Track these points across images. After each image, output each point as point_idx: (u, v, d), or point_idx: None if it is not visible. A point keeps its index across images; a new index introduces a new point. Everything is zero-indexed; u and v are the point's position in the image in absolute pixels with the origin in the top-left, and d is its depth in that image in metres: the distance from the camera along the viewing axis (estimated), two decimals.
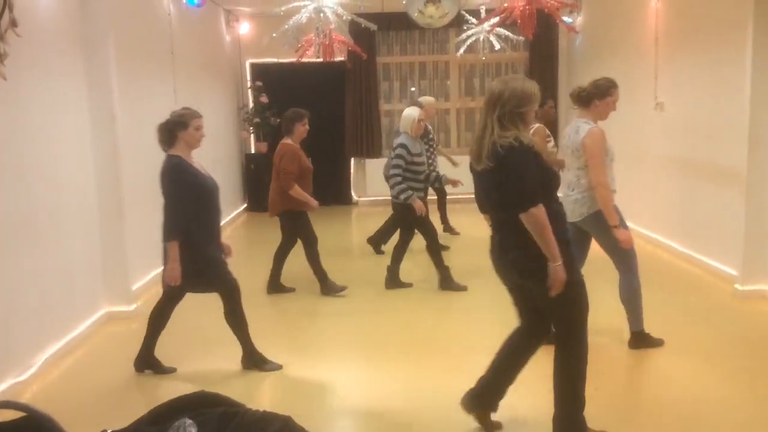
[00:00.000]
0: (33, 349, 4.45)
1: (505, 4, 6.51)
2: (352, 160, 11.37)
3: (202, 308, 4.81)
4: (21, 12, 4.02)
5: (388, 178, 6.13)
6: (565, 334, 3.26)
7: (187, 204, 4.14)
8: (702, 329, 5.06)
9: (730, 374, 4.24)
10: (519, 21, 6.42)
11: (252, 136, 11.11)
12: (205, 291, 4.35)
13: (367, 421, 3.86)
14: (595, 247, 4.61)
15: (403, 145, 5.98)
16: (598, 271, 4.57)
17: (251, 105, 11.01)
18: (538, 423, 3.51)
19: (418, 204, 5.95)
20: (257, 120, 10.77)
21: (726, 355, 4.57)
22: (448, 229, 8.44)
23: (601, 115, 4.50)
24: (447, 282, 6.18)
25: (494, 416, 3.53)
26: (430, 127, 7.70)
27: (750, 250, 5.65)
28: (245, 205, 11.00)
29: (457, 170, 7.49)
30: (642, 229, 7.59)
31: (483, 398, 3.47)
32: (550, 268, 3.07)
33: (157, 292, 6.25)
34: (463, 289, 6.14)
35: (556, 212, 3.16)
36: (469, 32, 8.53)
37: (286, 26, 6.90)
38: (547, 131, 6.37)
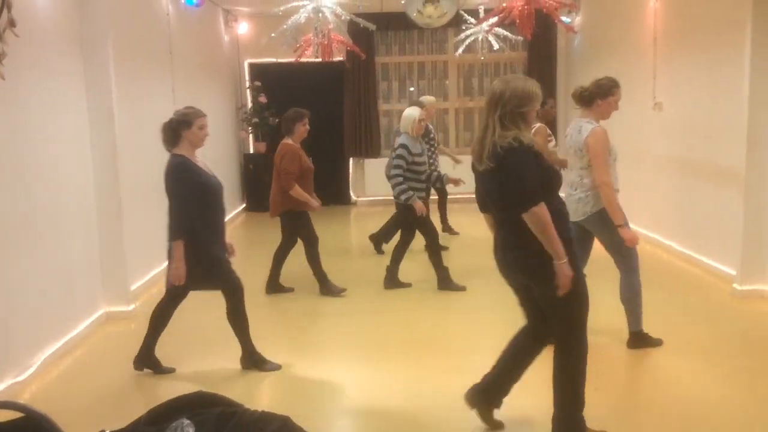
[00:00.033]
0: (32, 349, 4.44)
1: (504, 4, 6.50)
2: (351, 160, 11.37)
3: (201, 308, 4.81)
4: (19, 12, 4.02)
5: (389, 178, 6.13)
6: (565, 334, 3.26)
7: (192, 203, 4.14)
8: (701, 329, 5.06)
9: (729, 374, 4.25)
10: (517, 21, 6.42)
11: (251, 136, 11.11)
12: (208, 288, 4.34)
13: (366, 421, 3.85)
14: (596, 246, 4.61)
15: (403, 146, 5.98)
16: (599, 270, 4.57)
17: (250, 105, 11.01)
18: (538, 423, 3.51)
19: (418, 205, 5.95)
20: (256, 120, 10.77)
21: (725, 354, 4.58)
22: (447, 229, 8.44)
23: (603, 115, 4.50)
24: (445, 282, 6.18)
25: (495, 415, 3.52)
26: (431, 127, 7.70)
27: (748, 250, 5.65)
28: (244, 206, 10.99)
29: (459, 169, 7.49)
30: (641, 229, 7.59)
31: (487, 394, 3.47)
32: (555, 266, 3.06)
33: (156, 292, 6.27)
34: (462, 289, 6.14)
35: (558, 211, 3.16)
36: (468, 32, 8.54)
37: (285, 26, 6.89)
38: (549, 131, 6.38)
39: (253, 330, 4.48)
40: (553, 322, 3.30)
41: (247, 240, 9.01)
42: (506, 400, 3.51)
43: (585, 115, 4.50)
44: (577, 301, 3.20)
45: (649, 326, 4.64)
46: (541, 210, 3.04)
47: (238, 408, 1.88)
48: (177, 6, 7.65)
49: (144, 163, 6.44)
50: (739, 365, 4.39)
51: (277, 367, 4.45)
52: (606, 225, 4.37)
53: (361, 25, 7.19)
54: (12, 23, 3.93)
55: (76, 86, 5.25)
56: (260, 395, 4.21)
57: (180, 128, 4.22)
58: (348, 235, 9.65)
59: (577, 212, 4.41)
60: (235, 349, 4.46)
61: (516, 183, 3.10)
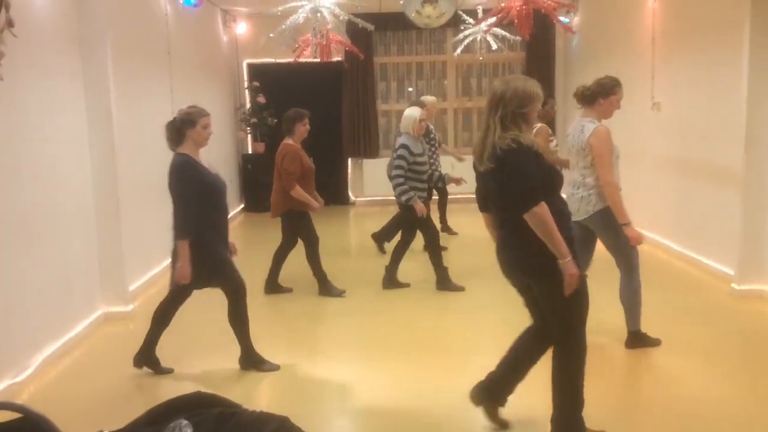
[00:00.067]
0: (30, 349, 4.44)
1: (502, 4, 6.51)
2: (350, 161, 11.36)
3: (201, 309, 4.80)
4: (17, 12, 4.01)
5: (391, 178, 6.13)
6: (564, 333, 3.26)
7: (197, 202, 4.14)
8: (699, 329, 5.06)
9: (728, 373, 4.25)
10: (516, 21, 6.42)
11: (249, 136, 11.10)
12: (211, 286, 4.34)
13: (365, 422, 3.85)
14: (597, 246, 4.61)
15: (404, 146, 5.98)
16: (598, 270, 4.57)
17: (248, 105, 11.00)
18: (537, 423, 3.50)
19: (419, 206, 5.95)
20: (254, 120, 10.77)
21: (724, 354, 4.58)
22: (446, 229, 8.44)
23: (605, 114, 4.51)
24: (444, 282, 6.18)
25: (500, 414, 3.52)
26: (431, 127, 7.70)
27: (747, 250, 5.66)
28: (242, 206, 10.99)
29: (460, 169, 7.49)
30: (639, 229, 7.59)
31: (491, 392, 3.47)
32: (560, 265, 3.06)
33: (155, 292, 6.27)
34: (461, 289, 6.14)
35: (560, 211, 3.15)
36: (467, 32, 8.54)
37: (283, 26, 6.89)
38: (550, 131, 6.39)
39: (252, 330, 4.48)
40: (553, 321, 3.30)
41: (246, 240, 9.00)
42: (509, 398, 3.51)
43: (587, 114, 4.50)
44: (577, 301, 3.19)
45: (647, 326, 4.65)
46: (542, 210, 3.04)
47: (236, 408, 1.88)
48: (175, 6, 7.64)
49: (142, 162, 6.43)
50: (738, 365, 4.39)
51: (276, 368, 4.45)
52: (608, 224, 4.38)
53: (360, 26, 7.19)
54: (10, 23, 3.92)
55: (74, 86, 5.25)
56: (259, 395, 4.21)
57: (184, 127, 4.22)
58: (347, 235, 9.65)
59: (579, 211, 4.42)
60: (234, 350, 4.46)
61: (516, 183, 3.10)
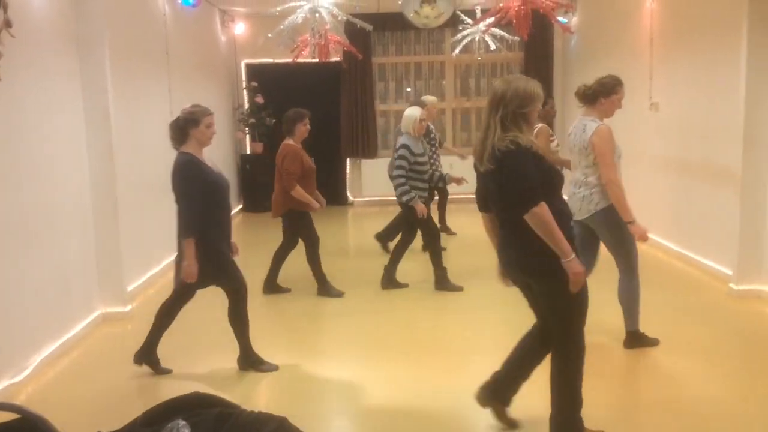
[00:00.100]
0: (28, 350, 4.43)
1: (501, 5, 6.51)
2: (348, 161, 11.36)
3: (199, 309, 4.79)
4: (15, 12, 4.01)
5: (392, 178, 6.14)
6: (562, 333, 3.26)
7: (201, 201, 4.14)
8: (698, 329, 5.07)
9: (726, 373, 4.25)
10: (514, 21, 6.42)
11: (247, 136, 11.09)
12: (214, 285, 4.34)
13: (365, 422, 3.85)
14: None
15: (405, 146, 5.98)
16: (597, 270, 4.57)
17: (246, 105, 10.99)
18: (536, 423, 3.49)
19: (420, 206, 5.95)
20: (252, 120, 10.76)
21: (722, 354, 4.58)
22: (444, 229, 8.44)
23: (606, 113, 4.51)
24: (442, 283, 6.18)
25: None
26: (431, 127, 7.70)
27: (745, 250, 5.66)
28: (241, 206, 10.98)
29: (461, 168, 7.49)
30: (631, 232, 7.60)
31: (496, 392, 3.47)
32: (563, 264, 3.05)
33: (153, 293, 6.27)
34: (459, 289, 6.14)
35: (560, 211, 3.15)
36: (465, 32, 8.54)
37: (282, 26, 6.88)
38: (551, 131, 6.40)
39: (252, 330, 4.47)
40: (552, 321, 3.30)
41: (244, 241, 8.97)
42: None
43: (588, 113, 4.51)
44: (576, 301, 3.19)
45: (645, 326, 4.65)
46: (542, 210, 3.03)
47: (234, 409, 1.87)
48: (173, 6, 7.64)
49: (140, 162, 6.43)
50: (737, 365, 4.40)
51: (275, 368, 4.45)
52: (609, 223, 4.38)
53: (358, 26, 7.19)
54: (8, 24, 3.92)
55: (72, 86, 5.24)
56: (258, 396, 4.21)
57: (188, 126, 4.22)
58: (345, 236, 9.65)
59: (581, 210, 4.42)
60: (232, 350, 4.46)
61: (515, 184, 3.09)
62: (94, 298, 5.48)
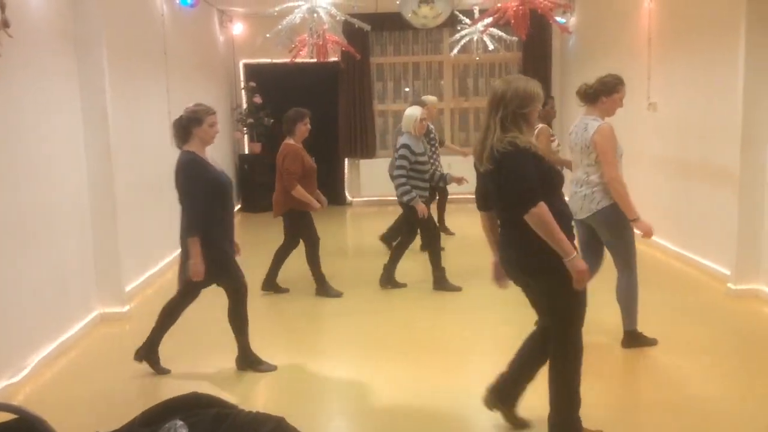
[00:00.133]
0: (26, 350, 4.42)
1: (499, 5, 6.51)
2: (346, 161, 11.36)
3: (197, 309, 4.78)
4: (13, 11, 4.01)
5: (393, 178, 6.15)
6: (560, 333, 3.26)
7: (204, 200, 4.14)
8: (696, 328, 5.07)
9: (725, 373, 4.26)
10: (512, 21, 6.43)
11: (245, 136, 11.09)
12: (215, 284, 4.34)
13: (363, 422, 3.85)
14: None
15: (406, 146, 5.99)
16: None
17: (245, 105, 10.99)
18: (534, 423, 3.50)
19: (421, 206, 5.95)
20: (251, 120, 10.75)
21: (720, 353, 4.59)
22: (443, 229, 8.43)
23: (608, 112, 4.52)
24: (441, 283, 6.18)
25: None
26: (431, 126, 7.70)
27: (743, 250, 5.67)
28: (239, 206, 10.98)
29: (460, 168, 7.49)
30: (635, 229, 7.61)
31: (502, 394, 3.47)
32: (566, 263, 3.05)
33: (151, 293, 6.27)
34: (458, 289, 6.14)
35: (560, 211, 3.14)
36: (463, 32, 8.54)
37: (280, 26, 6.88)
38: (551, 131, 6.40)
39: (250, 330, 4.47)
40: (550, 320, 3.30)
41: (242, 240, 8.88)
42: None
43: (590, 112, 4.52)
44: (574, 300, 3.20)
45: (644, 326, 4.65)
46: (541, 210, 3.03)
47: (232, 409, 1.88)
48: (171, 6, 7.63)
49: (138, 163, 6.42)
50: (735, 364, 4.40)
51: (273, 368, 4.45)
52: (610, 222, 4.39)
53: (356, 26, 7.19)
54: (5, 24, 3.92)
55: (70, 86, 5.24)
56: (256, 396, 4.21)
57: (191, 125, 4.23)
58: (344, 236, 9.65)
59: (582, 209, 4.43)
60: (231, 351, 4.46)
61: (514, 185, 3.09)
62: (92, 299, 5.48)
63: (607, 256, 4.59)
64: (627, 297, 4.56)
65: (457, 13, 8.35)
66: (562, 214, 3.17)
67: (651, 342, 4.65)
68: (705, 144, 6.46)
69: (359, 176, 11.30)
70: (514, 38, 8.92)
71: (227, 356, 4.49)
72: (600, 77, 4.52)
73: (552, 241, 3.05)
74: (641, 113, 7.59)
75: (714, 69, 6.23)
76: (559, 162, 5.94)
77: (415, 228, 6.22)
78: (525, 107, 3.17)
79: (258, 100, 10.63)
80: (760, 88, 5.49)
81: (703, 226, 6.52)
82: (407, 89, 11.46)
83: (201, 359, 4.68)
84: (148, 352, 4.42)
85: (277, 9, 6.96)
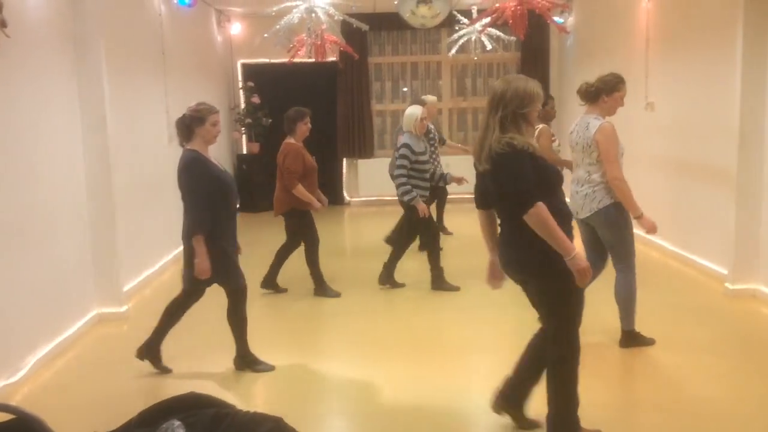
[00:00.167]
0: (24, 350, 4.42)
1: (497, 5, 6.51)
2: (344, 161, 11.36)
3: (195, 309, 4.78)
4: (10, 11, 4.01)
5: (393, 177, 6.15)
6: (557, 331, 3.25)
7: (206, 198, 4.14)
8: (694, 328, 5.08)
9: (722, 373, 4.26)
10: (510, 21, 6.43)
11: (244, 136, 11.08)
12: (215, 283, 4.35)
13: (362, 422, 3.85)
14: None
15: (406, 145, 5.99)
16: None
17: (243, 105, 10.98)
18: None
19: (421, 206, 5.96)
20: (249, 120, 10.75)
21: (718, 353, 4.59)
22: (441, 229, 8.43)
23: (609, 111, 4.53)
24: (439, 282, 6.19)
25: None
26: (431, 126, 7.70)
27: (740, 250, 5.68)
28: (237, 206, 10.95)
29: (459, 168, 7.49)
30: (635, 230, 7.61)
31: (509, 397, 3.47)
32: (567, 262, 3.05)
33: (150, 293, 6.27)
34: (456, 289, 6.14)
35: (559, 211, 3.14)
36: (461, 32, 8.54)
37: (278, 26, 6.88)
38: (552, 131, 6.41)
39: (248, 330, 4.47)
40: (547, 319, 3.30)
41: (241, 241, 8.96)
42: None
43: (591, 111, 4.52)
44: (571, 300, 3.20)
45: (641, 325, 4.66)
46: (539, 210, 3.03)
47: (230, 409, 1.88)
48: (169, 6, 7.63)
49: (137, 162, 6.42)
50: (733, 364, 4.40)
51: (271, 368, 4.45)
52: (611, 222, 4.40)
53: (354, 26, 7.18)
54: (3, 24, 3.92)
55: (67, 86, 5.23)
56: (254, 396, 4.21)
57: (193, 124, 4.23)
58: (342, 236, 9.64)
59: (583, 209, 4.44)
60: (230, 350, 4.46)
61: (511, 186, 3.10)
62: (90, 298, 5.47)
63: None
64: (626, 297, 4.56)
65: (455, 13, 8.35)
66: (561, 214, 3.17)
67: (649, 342, 4.65)
68: (702, 144, 6.47)
69: (357, 176, 11.30)
70: (512, 38, 8.91)
71: (225, 356, 4.49)
72: (601, 76, 4.53)
73: (552, 241, 3.05)
74: (639, 113, 7.59)
75: (712, 69, 6.24)
76: (559, 162, 5.95)
77: (416, 227, 6.23)
78: (525, 107, 3.17)
79: (256, 100, 10.63)
80: (758, 88, 5.49)
81: (701, 225, 6.53)
82: (405, 89, 11.47)
83: (199, 359, 4.68)
84: (151, 350, 4.42)
85: (275, 9, 6.96)
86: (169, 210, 7.06)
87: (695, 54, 6.55)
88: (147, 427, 1.79)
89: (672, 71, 7.03)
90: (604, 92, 4.47)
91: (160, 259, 7.02)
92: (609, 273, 4.60)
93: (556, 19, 8.49)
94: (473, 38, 8.55)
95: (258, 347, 4.52)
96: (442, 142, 8.36)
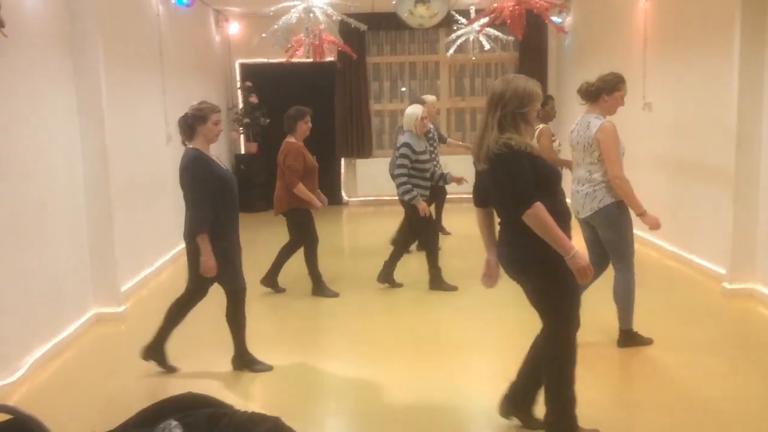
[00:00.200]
0: (21, 351, 4.41)
1: (495, 5, 6.52)
2: (343, 161, 11.36)
3: (194, 309, 4.79)
4: (8, 12, 4.00)
5: (394, 177, 6.15)
6: (554, 330, 3.25)
7: (210, 197, 4.15)
8: (691, 327, 5.08)
9: (720, 372, 4.27)
10: (508, 21, 6.44)
11: (242, 136, 11.08)
12: (215, 282, 4.35)
13: (360, 422, 3.85)
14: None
15: (407, 144, 6.00)
16: None
17: (241, 105, 10.98)
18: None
19: (422, 205, 5.97)
20: (247, 120, 10.74)
21: (716, 353, 4.60)
22: (439, 228, 8.44)
23: (609, 110, 4.54)
24: (437, 282, 6.19)
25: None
26: (431, 126, 7.70)
27: (738, 249, 5.68)
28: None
29: (458, 168, 7.48)
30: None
31: (516, 402, 3.47)
32: (567, 261, 3.05)
33: (147, 293, 6.27)
34: (454, 289, 6.15)
35: (557, 210, 3.14)
36: (459, 32, 8.54)
37: (276, 26, 6.88)
38: (552, 131, 6.42)
39: (247, 329, 4.47)
40: (543, 317, 3.30)
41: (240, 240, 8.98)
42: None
43: (591, 110, 4.53)
44: (568, 299, 3.20)
45: (639, 325, 4.66)
46: (537, 210, 3.03)
47: (228, 409, 1.88)
48: (167, 6, 7.62)
49: (134, 162, 6.41)
50: (731, 364, 4.41)
51: (269, 368, 4.44)
52: (612, 221, 4.40)
53: (353, 26, 7.18)
54: (0, 23, 3.91)
55: (65, 86, 5.23)
56: (252, 396, 4.20)
57: (195, 123, 4.24)
58: (341, 236, 9.64)
59: (584, 208, 4.44)
60: (228, 350, 4.45)
61: (509, 187, 3.10)
62: (88, 299, 5.47)
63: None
64: (624, 296, 4.56)
65: (454, 12, 8.36)
66: (560, 213, 3.18)
67: (647, 341, 4.66)
68: (700, 143, 6.47)
69: (355, 176, 11.29)
70: (511, 38, 8.91)
71: (224, 356, 4.49)
72: (601, 75, 4.54)
73: (551, 240, 3.05)
74: (637, 113, 7.60)
75: (709, 69, 6.24)
76: (559, 162, 5.95)
77: (416, 227, 6.23)
78: (524, 107, 3.16)
79: (254, 100, 10.62)
80: (755, 88, 5.50)
81: (699, 225, 6.54)
82: (404, 89, 11.47)
83: (197, 359, 4.68)
84: (155, 350, 4.42)
85: (273, 9, 6.96)
86: (167, 209, 7.06)
87: (693, 54, 6.56)
88: (145, 427, 1.79)
89: (670, 71, 7.03)
90: (604, 91, 4.48)
91: (158, 259, 7.01)
92: (608, 272, 4.60)
93: (554, 18, 8.51)
94: (471, 38, 8.55)
95: (256, 347, 4.52)
96: (443, 140, 8.36)
